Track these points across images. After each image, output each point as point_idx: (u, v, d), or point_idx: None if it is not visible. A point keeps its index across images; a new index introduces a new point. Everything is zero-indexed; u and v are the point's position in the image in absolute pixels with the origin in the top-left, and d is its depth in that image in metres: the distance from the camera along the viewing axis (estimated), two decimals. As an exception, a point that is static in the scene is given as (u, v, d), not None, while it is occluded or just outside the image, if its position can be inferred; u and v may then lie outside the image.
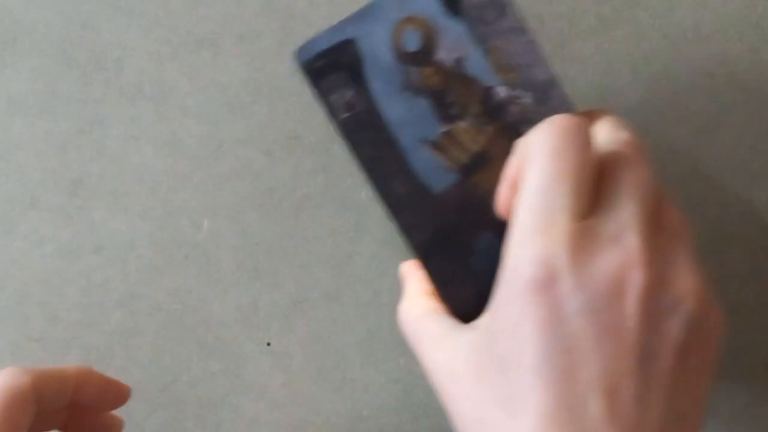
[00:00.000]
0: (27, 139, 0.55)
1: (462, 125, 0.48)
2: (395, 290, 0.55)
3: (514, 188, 0.44)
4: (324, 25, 0.56)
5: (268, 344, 0.56)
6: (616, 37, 0.56)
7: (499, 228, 0.46)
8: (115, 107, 0.56)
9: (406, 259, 0.50)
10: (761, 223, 0.55)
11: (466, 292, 0.48)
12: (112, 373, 0.55)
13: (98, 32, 0.56)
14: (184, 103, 0.55)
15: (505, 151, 0.46)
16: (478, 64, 0.48)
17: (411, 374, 0.56)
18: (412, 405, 0.56)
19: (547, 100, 0.47)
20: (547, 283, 0.39)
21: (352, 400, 0.55)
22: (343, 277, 0.55)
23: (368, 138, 0.48)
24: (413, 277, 0.48)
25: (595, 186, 0.41)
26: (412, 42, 0.48)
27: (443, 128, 0.48)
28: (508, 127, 0.48)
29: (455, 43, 0.48)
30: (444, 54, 0.48)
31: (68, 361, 0.55)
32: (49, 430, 0.46)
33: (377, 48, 0.48)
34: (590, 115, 0.45)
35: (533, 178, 0.41)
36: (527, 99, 0.47)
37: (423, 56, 0.48)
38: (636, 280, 0.38)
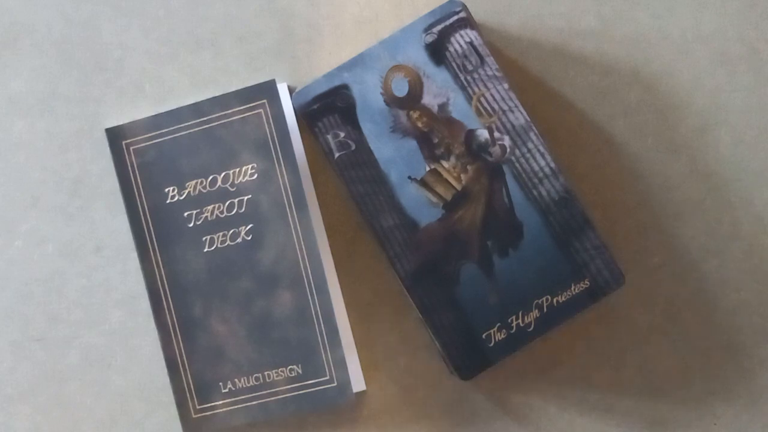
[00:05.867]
0: (27, 139, 0.56)
1: (446, 164, 0.52)
2: (395, 290, 0.55)
3: None
4: (323, 25, 0.56)
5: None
6: (616, 37, 0.56)
7: (481, 260, 0.51)
8: (115, 107, 0.56)
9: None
10: (761, 223, 0.55)
11: (449, 320, 0.52)
12: (112, 373, 0.55)
13: (98, 32, 0.56)
14: (184, 103, 0.55)
15: (485, 189, 0.52)
16: (461, 109, 0.52)
17: (411, 374, 0.56)
18: (412, 405, 0.56)
19: (524, 142, 0.52)
20: None
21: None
22: (342, 277, 0.55)
23: (360, 175, 0.52)
24: None
25: None
26: (401, 88, 0.52)
27: (429, 167, 0.52)
28: (489, 166, 0.52)
29: (440, 89, 0.52)
30: (430, 99, 0.52)
31: (68, 361, 0.55)
32: None
33: (368, 93, 0.52)
34: None
35: None
36: (506, 141, 0.52)
37: (410, 101, 0.52)
38: None
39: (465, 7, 0.52)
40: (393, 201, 0.52)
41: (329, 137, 0.52)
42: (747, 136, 0.56)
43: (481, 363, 0.52)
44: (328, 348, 0.53)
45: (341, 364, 0.53)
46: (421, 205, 0.52)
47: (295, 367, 0.53)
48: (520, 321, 0.52)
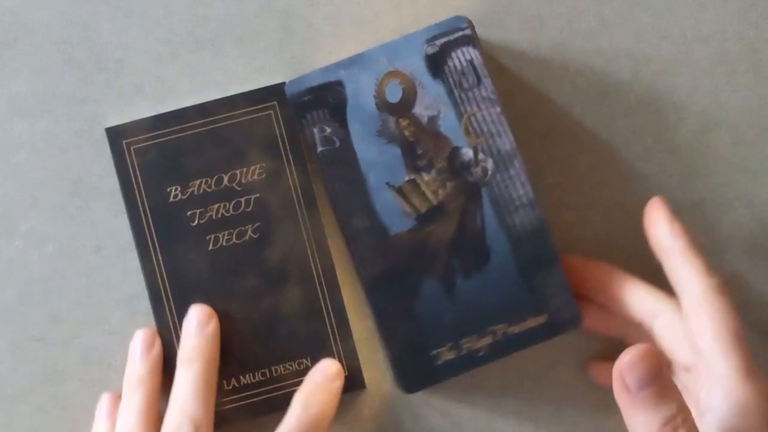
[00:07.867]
0: (27, 139, 0.55)
1: (426, 177, 0.52)
2: (395, 290, 0.55)
3: None
4: (323, 25, 0.56)
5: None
6: (616, 37, 0.56)
7: (444, 278, 0.51)
8: (115, 107, 0.56)
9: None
10: (761, 223, 0.56)
11: (402, 331, 0.51)
12: (111, 373, 0.55)
13: (98, 32, 0.56)
14: (184, 103, 0.55)
15: (460, 208, 0.52)
16: (450, 124, 0.52)
17: (411, 374, 0.56)
18: (412, 405, 0.56)
19: (507, 168, 0.51)
20: None
21: (352, 400, 0.55)
22: (342, 277, 0.55)
23: (339, 173, 0.52)
24: None
25: None
26: (394, 94, 0.52)
27: (409, 176, 0.52)
28: (468, 186, 0.52)
29: (432, 102, 0.52)
30: (421, 109, 0.52)
31: (68, 361, 0.55)
32: None
33: (361, 93, 0.52)
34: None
35: None
36: (489, 164, 0.51)
37: (401, 108, 0.52)
38: None
39: (471, 25, 0.52)
40: (367, 204, 0.52)
41: (315, 130, 0.52)
42: (747, 136, 0.56)
43: (426, 380, 0.52)
44: (339, 339, 0.53)
45: (352, 355, 0.54)
46: (394, 213, 0.52)
47: (304, 360, 0.53)
48: (471, 344, 0.51)
